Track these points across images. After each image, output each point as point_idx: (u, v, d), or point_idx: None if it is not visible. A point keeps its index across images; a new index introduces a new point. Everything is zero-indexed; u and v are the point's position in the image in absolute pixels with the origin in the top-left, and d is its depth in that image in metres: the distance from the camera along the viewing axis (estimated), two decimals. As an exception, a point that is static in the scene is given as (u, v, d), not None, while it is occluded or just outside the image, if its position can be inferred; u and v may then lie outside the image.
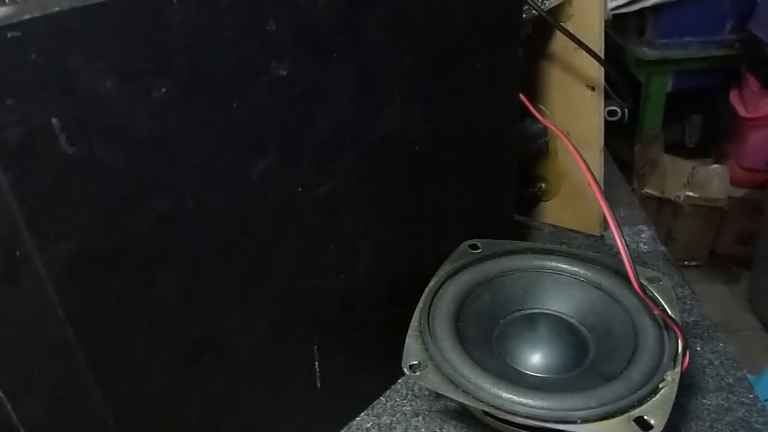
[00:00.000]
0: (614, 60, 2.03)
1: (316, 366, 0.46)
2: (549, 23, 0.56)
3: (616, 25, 1.72)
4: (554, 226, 0.72)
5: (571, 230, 0.71)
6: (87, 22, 0.27)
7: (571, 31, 0.59)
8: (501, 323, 0.50)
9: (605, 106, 0.85)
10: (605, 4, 0.57)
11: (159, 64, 0.30)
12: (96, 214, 0.30)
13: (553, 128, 0.56)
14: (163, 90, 0.31)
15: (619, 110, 0.84)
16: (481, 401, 0.41)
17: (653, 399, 0.41)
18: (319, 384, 0.47)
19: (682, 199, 1.72)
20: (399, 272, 0.50)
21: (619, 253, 0.44)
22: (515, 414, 0.40)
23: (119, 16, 0.28)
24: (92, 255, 0.31)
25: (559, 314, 0.51)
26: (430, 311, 0.48)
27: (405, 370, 0.44)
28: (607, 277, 0.51)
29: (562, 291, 0.52)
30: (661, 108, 1.77)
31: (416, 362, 0.44)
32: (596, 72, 0.60)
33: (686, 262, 1.83)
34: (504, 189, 0.58)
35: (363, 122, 0.42)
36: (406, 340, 0.46)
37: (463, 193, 0.54)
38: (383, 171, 0.45)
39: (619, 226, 0.44)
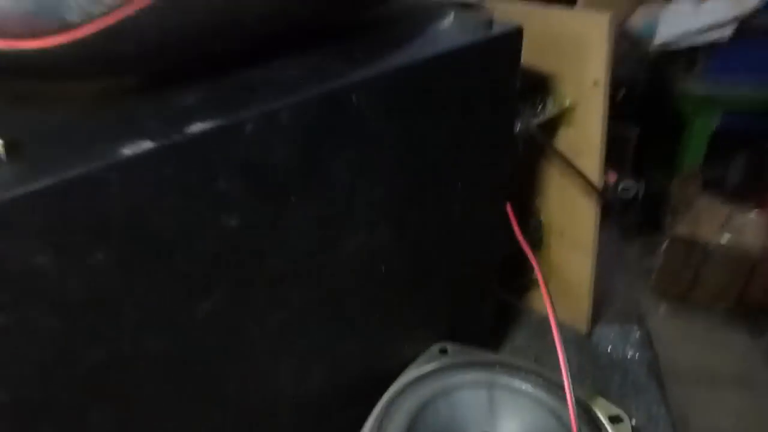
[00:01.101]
0: (657, 93, 1.97)
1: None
2: (540, 141, 0.54)
3: (664, 56, 1.66)
4: (544, 315, 0.71)
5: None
6: (16, 210, 0.28)
7: (573, 135, 0.58)
8: None
9: (619, 183, 0.83)
10: (606, 114, 0.55)
11: (94, 234, 0.31)
12: (29, 368, 0.31)
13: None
14: (99, 256, 0.31)
15: (632, 189, 0.82)
16: None
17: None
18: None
19: (714, 243, 1.66)
20: (359, 377, 0.50)
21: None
22: None
23: (51, 199, 0.29)
24: (24, 403, 0.32)
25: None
26: (383, 425, 0.48)
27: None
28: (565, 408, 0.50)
29: (522, 416, 0.51)
30: (704, 146, 1.71)
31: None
32: (595, 176, 0.59)
33: (710, 307, 1.78)
34: (483, 294, 0.58)
35: (322, 253, 0.42)
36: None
37: (438, 299, 0.54)
38: (343, 292, 0.45)
39: (567, 366, 0.44)
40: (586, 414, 0.49)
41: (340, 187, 0.40)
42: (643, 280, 2.20)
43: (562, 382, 0.52)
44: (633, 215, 2.31)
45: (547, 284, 0.68)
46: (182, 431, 0.40)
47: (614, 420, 0.49)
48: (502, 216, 0.53)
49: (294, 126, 0.36)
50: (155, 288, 0.34)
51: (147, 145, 0.31)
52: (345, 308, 0.46)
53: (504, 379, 0.52)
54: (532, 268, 0.68)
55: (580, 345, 0.67)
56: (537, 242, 0.66)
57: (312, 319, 0.44)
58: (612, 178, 0.84)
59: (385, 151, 0.42)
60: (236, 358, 0.40)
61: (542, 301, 0.69)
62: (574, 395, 0.51)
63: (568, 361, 0.64)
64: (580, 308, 0.66)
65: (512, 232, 0.61)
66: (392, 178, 0.43)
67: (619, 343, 0.67)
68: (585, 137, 0.57)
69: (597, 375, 0.64)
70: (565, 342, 0.67)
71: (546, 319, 0.70)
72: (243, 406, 0.43)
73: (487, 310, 0.60)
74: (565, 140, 0.59)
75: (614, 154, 0.86)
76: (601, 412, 0.50)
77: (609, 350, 0.66)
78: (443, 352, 0.55)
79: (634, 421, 0.49)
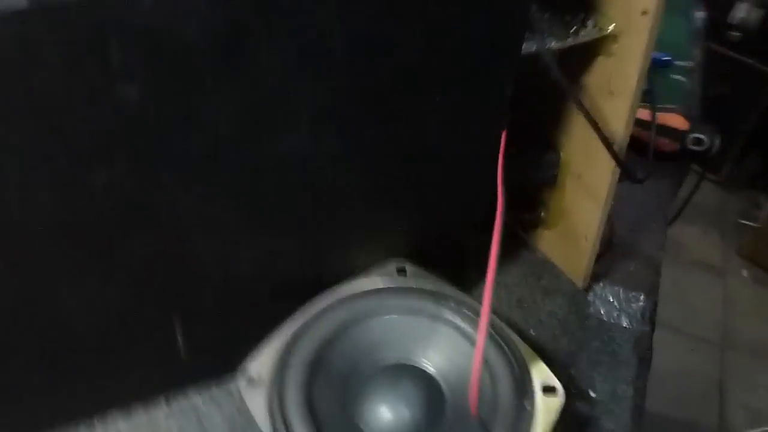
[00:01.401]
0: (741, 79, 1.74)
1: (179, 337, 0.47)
2: (552, 70, 0.46)
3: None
4: (546, 258, 0.65)
5: (557, 268, 0.64)
6: None
7: (609, 69, 0.49)
8: (364, 375, 0.48)
9: (690, 132, 0.72)
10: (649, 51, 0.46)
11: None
12: None
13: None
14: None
15: (706, 139, 0.71)
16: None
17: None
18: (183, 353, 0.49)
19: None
20: (297, 276, 0.49)
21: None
22: None
23: None
24: None
25: (427, 370, 0.48)
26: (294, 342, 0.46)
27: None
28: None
29: (448, 353, 0.48)
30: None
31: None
32: (623, 125, 0.50)
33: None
34: (460, 224, 0.53)
35: (246, 147, 0.39)
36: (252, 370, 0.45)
37: (402, 219, 0.50)
38: (276, 191, 0.42)
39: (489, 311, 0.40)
40: (517, 371, 0.45)
41: (272, 79, 0.37)
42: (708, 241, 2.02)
43: (505, 329, 0.49)
44: (733, 169, 2.09)
45: (550, 226, 0.62)
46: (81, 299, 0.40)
47: (547, 390, 0.45)
48: (492, 146, 0.48)
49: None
50: (42, 151, 0.33)
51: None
52: (278, 207, 0.43)
53: (444, 313, 0.49)
54: (543, 205, 0.62)
55: (571, 299, 0.61)
56: (551, 179, 0.59)
57: (235, 210, 0.42)
58: (682, 125, 0.73)
59: (335, 41, 0.37)
60: (142, 232, 0.40)
61: (548, 242, 0.64)
62: (512, 354, 0.47)
63: (553, 313, 0.60)
64: (580, 261, 0.60)
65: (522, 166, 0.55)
66: (343, 78, 0.39)
67: (614, 308, 0.61)
68: (622, 74, 0.48)
69: (577, 335, 0.59)
70: (557, 293, 0.62)
71: (546, 262, 0.65)
72: (158, 281, 0.43)
73: (464, 242, 0.55)
74: (598, 74, 0.51)
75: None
76: (538, 376, 0.46)
77: (602, 312, 0.60)
78: (401, 271, 0.52)
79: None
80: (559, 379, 0.45)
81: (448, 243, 0.55)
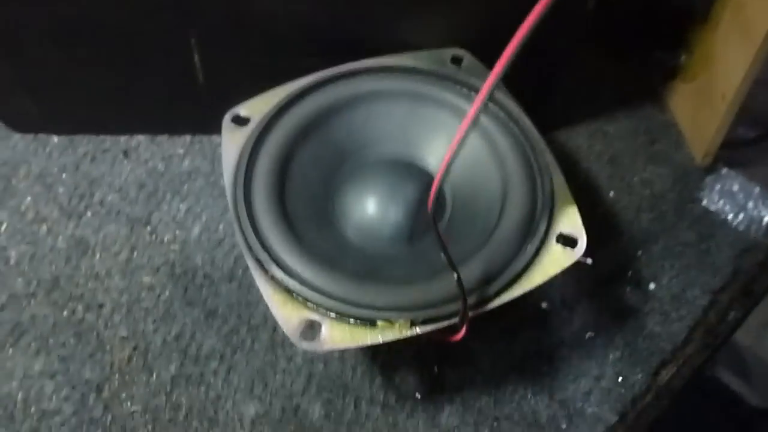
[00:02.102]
0: None
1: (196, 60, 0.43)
2: None
3: None
4: (672, 120, 0.51)
5: (681, 135, 0.49)
6: None
7: None
8: (353, 160, 0.40)
9: None
10: None
11: None
12: None
13: None
14: None
15: None
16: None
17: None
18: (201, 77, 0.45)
19: None
20: (329, 29, 0.41)
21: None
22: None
23: None
24: None
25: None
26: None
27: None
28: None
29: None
30: None
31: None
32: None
33: None
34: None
35: None
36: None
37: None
38: None
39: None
40: (532, 201, 0.36)
41: None
42: None
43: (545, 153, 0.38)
44: None
45: (688, 78, 0.48)
46: None
47: (566, 240, 0.35)
48: None
49: None
50: None
51: None
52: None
53: (463, 105, 0.39)
54: (686, 46, 0.47)
55: (680, 174, 0.47)
56: (702, 7, 0.43)
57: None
58: None
59: None
60: None
61: (680, 99, 0.49)
62: (539, 178, 0.37)
63: (648, 183, 0.47)
64: (709, 127, 0.45)
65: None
66: None
67: (735, 203, 0.46)
68: None
69: (667, 216, 0.45)
70: (666, 162, 0.49)
71: (669, 126, 0.50)
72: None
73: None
74: None
75: None
76: (563, 219, 0.36)
77: (716, 201, 0.46)
78: (456, 61, 0.42)
79: (590, 261, 0.35)
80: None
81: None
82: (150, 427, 0.37)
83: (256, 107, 0.39)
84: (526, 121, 0.39)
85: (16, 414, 0.37)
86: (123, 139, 0.48)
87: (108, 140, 0.48)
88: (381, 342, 0.32)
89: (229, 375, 0.39)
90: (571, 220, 0.36)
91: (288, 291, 0.33)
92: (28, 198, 0.45)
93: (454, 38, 0.42)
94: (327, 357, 0.40)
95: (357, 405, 0.39)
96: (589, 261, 0.34)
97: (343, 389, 0.39)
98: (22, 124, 0.48)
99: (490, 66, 0.36)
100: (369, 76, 0.41)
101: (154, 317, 0.41)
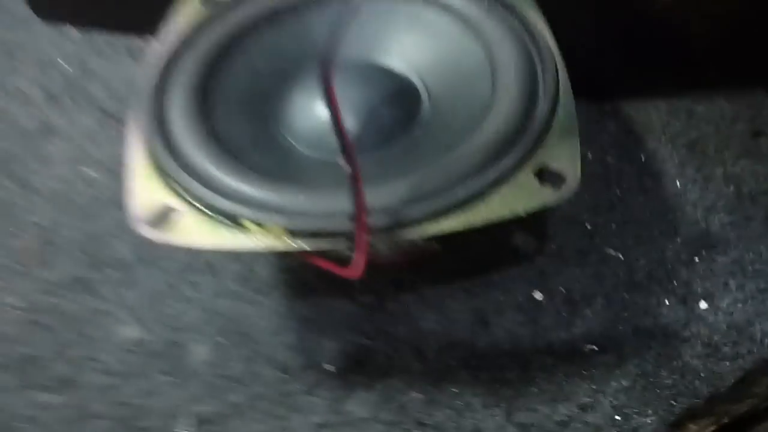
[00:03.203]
0: None
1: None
2: None
3: None
4: None
5: None
6: None
7: None
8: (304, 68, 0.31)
9: None
10: None
11: None
12: None
13: None
14: None
15: None
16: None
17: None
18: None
19: None
20: None
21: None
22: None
23: None
24: None
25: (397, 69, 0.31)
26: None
27: None
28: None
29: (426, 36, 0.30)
30: None
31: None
32: None
33: None
34: None
35: None
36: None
37: None
38: None
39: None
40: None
41: None
42: None
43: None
44: None
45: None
46: None
47: (548, 175, 0.24)
48: None
49: None
50: None
51: None
52: None
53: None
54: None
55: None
56: None
57: None
58: None
59: None
60: None
61: None
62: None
63: (744, 177, 0.34)
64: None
65: None
66: None
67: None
68: None
69: (749, 216, 0.32)
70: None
71: None
72: None
73: None
74: None
75: None
76: (553, 149, 0.25)
77: None
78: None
79: (574, 183, 0.24)
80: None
81: None
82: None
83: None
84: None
85: None
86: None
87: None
88: (250, 249, 0.23)
89: (124, 290, 0.32)
90: (566, 153, 0.25)
91: (158, 166, 0.25)
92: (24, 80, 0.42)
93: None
94: (238, 296, 0.32)
95: (250, 360, 0.30)
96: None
97: (241, 338, 0.30)
98: (47, 13, 0.46)
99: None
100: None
101: (78, 211, 0.35)
